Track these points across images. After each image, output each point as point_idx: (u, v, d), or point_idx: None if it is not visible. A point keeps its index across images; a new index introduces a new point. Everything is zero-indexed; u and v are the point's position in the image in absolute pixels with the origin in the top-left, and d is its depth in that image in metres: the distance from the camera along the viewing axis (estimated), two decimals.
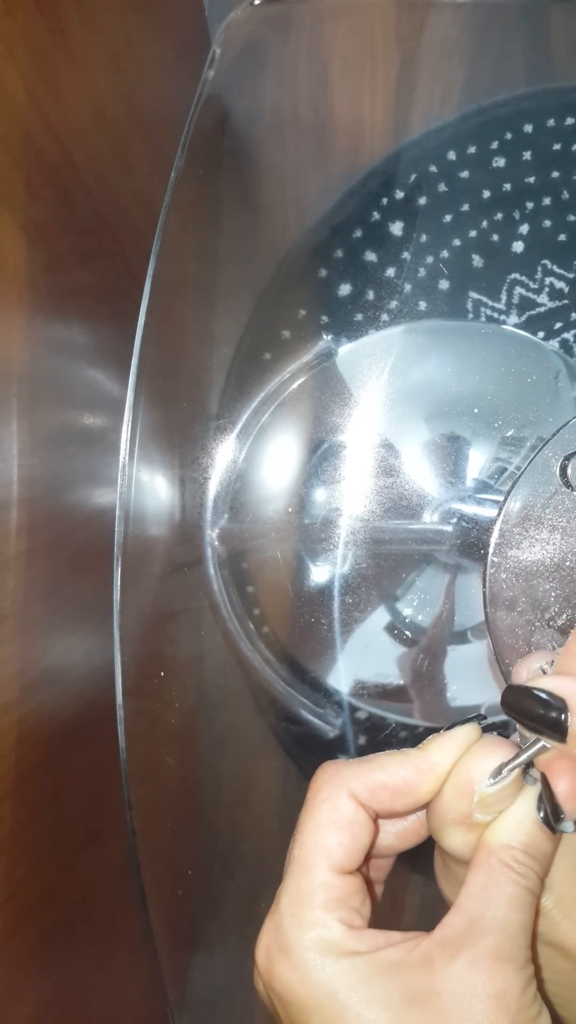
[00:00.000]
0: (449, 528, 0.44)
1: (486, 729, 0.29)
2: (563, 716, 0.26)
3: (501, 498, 0.35)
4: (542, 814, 0.27)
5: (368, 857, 0.28)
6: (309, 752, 0.50)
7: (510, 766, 0.27)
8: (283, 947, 0.26)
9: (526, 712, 0.27)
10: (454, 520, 0.44)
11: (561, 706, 0.26)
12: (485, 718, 0.29)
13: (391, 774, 0.28)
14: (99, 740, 0.42)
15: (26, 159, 0.37)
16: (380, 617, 0.47)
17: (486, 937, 0.25)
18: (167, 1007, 0.44)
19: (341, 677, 0.48)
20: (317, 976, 0.25)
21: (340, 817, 0.27)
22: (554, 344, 0.48)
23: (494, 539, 0.34)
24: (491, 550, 0.34)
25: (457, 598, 0.46)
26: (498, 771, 0.27)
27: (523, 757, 0.27)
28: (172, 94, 0.51)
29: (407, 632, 0.47)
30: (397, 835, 0.30)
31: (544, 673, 0.30)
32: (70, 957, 0.43)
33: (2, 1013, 0.37)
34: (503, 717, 0.28)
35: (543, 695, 0.26)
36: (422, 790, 0.27)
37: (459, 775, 0.27)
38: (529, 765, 0.27)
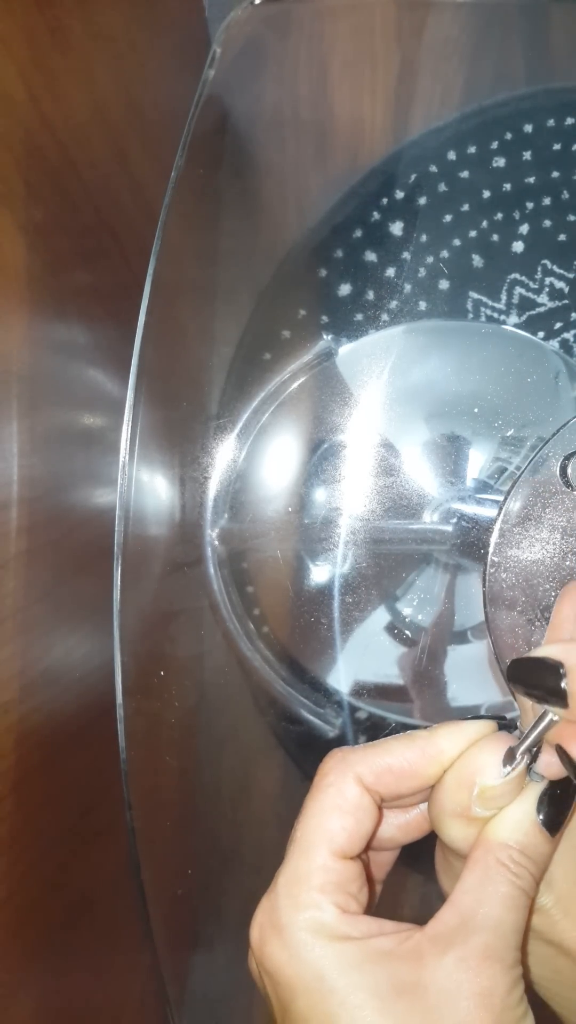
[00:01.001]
0: (449, 528, 0.44)
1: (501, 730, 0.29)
2: (562, 682, 0.26)
3: (501, 498, 0.35)
4: (542, 816, 0.27)
5: (369, 846, 0.28)
6: (309, 752, 0.50)
7: (521, 748, 0.27)
8: (276, 925, 0.26)
9: (527, 681, 0.27)
10: (454, 520, 0.44)
11: (558, 667, 0.26)
12: (504, 719, 0.29)
13: (397, 757, 0.28)
14: (99, 740, 0.42)
15: (26, 159, 0.37)
16: (380, 617, 0.47)
17: (477, 935, 0.25)
18: (167, 1007, 0.44)
19: (341, 677, 0.48)
20: (307, 956, 0.25)
21: (345, 802, 0.27)
22: (554, 344, 0.48)
23: (494, 539, 0.34)
24: (491, 550, 0.34)
25: (457, 598, 0.46)
26: (509, 756, 0.27)
27: (532, 736, 0.27)
28: (172, 94, 0.51)
29: (407, 632, 0.47)
30: (400, 827, 0.30)
31: None
32: (70, 957, 0.43)
33: (2, 1013, 0.37)
34: (514, 714, 0.28)
35: (542, 661, 0.26)
36: (427, 772, 0.28)
37: (462, 765, 0.27)
38: (532, 763, 0.27)
